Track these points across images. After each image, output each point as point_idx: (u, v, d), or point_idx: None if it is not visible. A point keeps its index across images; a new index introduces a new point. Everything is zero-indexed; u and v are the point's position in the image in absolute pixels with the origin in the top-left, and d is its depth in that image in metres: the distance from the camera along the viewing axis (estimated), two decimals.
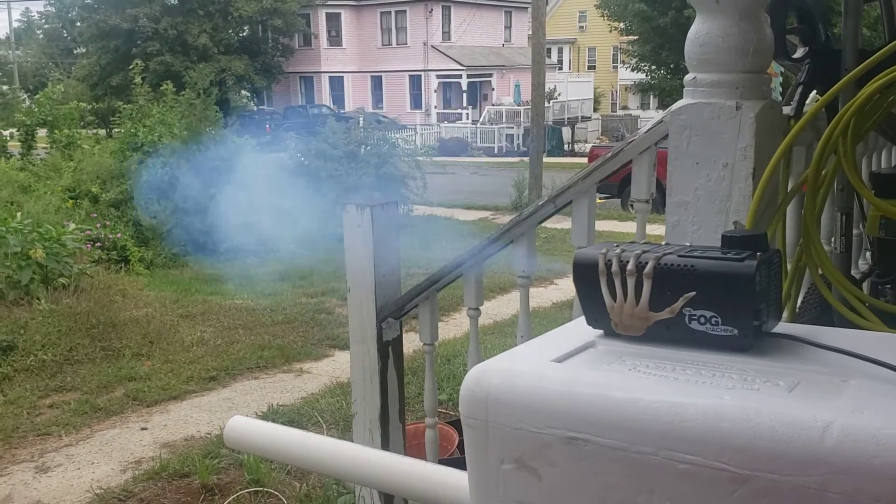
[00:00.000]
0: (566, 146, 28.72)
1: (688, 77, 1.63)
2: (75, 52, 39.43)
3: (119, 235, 9.07)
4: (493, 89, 37.44)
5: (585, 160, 17.43)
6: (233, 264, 8.81)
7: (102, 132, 17.43)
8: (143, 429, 4.67)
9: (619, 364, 0.82)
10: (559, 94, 34.68)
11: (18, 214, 7.18)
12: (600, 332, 0.91)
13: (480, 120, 32.18)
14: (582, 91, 36.68)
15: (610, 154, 2.20)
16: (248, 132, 14.31)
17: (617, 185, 12.18)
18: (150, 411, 4.93)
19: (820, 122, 1.64)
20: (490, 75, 37.55)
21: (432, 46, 36.22)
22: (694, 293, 0.82)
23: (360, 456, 1.24)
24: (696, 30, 1.58)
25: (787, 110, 1.71)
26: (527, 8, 28.94)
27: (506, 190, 14.84)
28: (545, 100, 19.65)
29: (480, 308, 2.62)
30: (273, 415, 4.67)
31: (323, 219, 8.37)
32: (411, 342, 3.10)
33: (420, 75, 36.80)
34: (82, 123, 15.72)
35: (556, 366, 0.82)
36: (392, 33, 37.40)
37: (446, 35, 36.88)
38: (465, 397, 0.82)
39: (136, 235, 9.56)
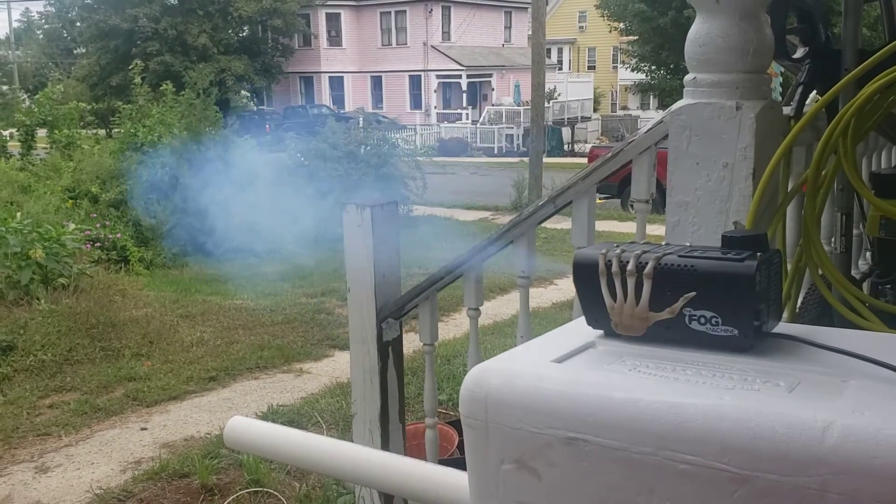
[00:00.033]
0: (566, 146, 28.73)
1: (688, 77, 1.63)
2: (75, 52, 39.45)
3: (119, 235, 9.07)
4: (492, 89, 37.44)
5: (585, 160, 17.44)
6: (233, 264, 8.81)
7: (102, 132, 17.42)
8: (142, 429, 4.67)
9: (619, 364, 0.82)
10: (559, 95, 34.69)
11: (18, 214, 7.19)
12: (600, 332, 0.91)
13: (480, 120, 32.19)
14: (582, 91, 36.69)
15: (610, 154, 2.20)
16: (247, 132, 14.32)
17: (617, 186, 12.19)
18: (149, 411, 4.93)
19: (820, 122, 1.64)
20: (490, 75, 37.55)
21: (432, 46, 36.22)
22: (694, 293, 0.82)
23: (360, 456, 1.24)
24: (696, 30, 1.58)
25: (787, 110, 1.71)
26: (527, 8, 28.94)
27: (506, 190, 14.84)
28: (545, 100, 19.64)
29: (480, 308, 2.62)
30: (273, 415, 4.67)
31: (323, 219, 8.37)
32: (411, 342, 3.10)
33: (420, 75, 36.80)
34: (82, 123, 15.71)
35: (557, 366, 0.82)
36: (392, 33, 37.41)
37: (446, 35, 36.88)
38: (465, 397, 0.82)
39: (135, 235, 9.55)
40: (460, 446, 3.41)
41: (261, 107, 36.86)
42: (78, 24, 35.47)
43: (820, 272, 1.51)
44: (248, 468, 3.83)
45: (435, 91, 36.83)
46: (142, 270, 8.91)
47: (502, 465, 0.80)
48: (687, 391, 0.73)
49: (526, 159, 17.00)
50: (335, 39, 37.67)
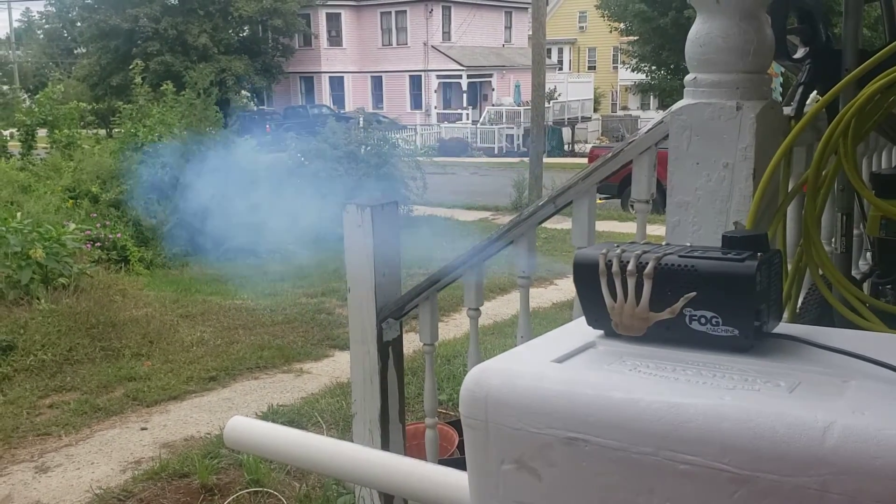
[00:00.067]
0: (566, 146, 28.72)
1: (688, 77, 1.63)
2: (75, 52, 39.45)
3: (119, 235, 9.07)
4: (493, 89, 37.45)
5: (585, 160, 17.44)
6: (233, 264, 8.81)
7: (102, 132, 17.43)
8: (142, 429, 4.67)
9: (619, 364, 0.82)
10: (559, 95, 34.70)
11: (18, 214, 7.19)
12: (600, 332, 0.91)
13: (480, 120, 32.19)
14: (582, 91, 36.70)
15: (610, 154, 2.20)
16: (248, 132, 14.33)
17: (617, 186, 12.19)
18: (149, 411, 4.93)
19: (820, 122, 1.64)
20: (490, 75, 37.56)
21: (432, 47, 36.23)
22: (694, 293, 0.82)
23: (360, 456, 1.24)
24: (696, 30, 1.58)
25: (787, 111, 1.71)
26: (527, 8, 28.95)
27: (506, 190, 14.83)
28: (545, 100, 19.64)
29: (480, 308, 2.62)
30: (273, 415, 4.67)
31: (323, 219, 8.36)
32: (411, 342, 3.09)
33: (420, 75, 36.81)
34: (82, 123, 15.71)
35: (557, 366, 0.82)
36: (392, 33, 37.41)
37: (446, 35, 36.89)
38: (465, 397, 0.82)
39: (136, 235, 9.55)
40: (460, 446, 3.41)
41: (261, 107, 36.84)
42: (78, 23, 35.49)
43: (820, 272, 1.51)
44: (248, 468, 3.83)
45: (435, 91, 36.83)
46: (142, 270, 8.91)
47: (502, 466, 0.80)
48: (687, 391, 0.73)
49: (526, 159, 17.00)
50: (335, 39, 37.67)
